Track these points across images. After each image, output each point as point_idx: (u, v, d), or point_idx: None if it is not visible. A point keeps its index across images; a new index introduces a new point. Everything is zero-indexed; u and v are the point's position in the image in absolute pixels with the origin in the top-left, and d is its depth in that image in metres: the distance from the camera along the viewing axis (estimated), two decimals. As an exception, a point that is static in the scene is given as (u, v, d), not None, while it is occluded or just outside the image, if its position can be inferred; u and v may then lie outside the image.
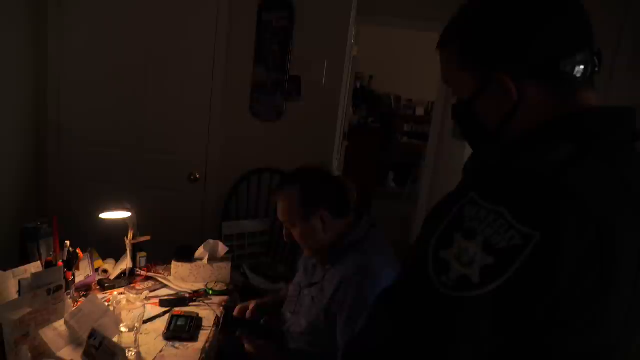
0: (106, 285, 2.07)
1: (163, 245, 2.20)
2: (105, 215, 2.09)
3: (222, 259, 2.25)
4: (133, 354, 1.59)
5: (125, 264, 2.16)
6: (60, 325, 1.60)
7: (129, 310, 1.64)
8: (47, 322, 1.58)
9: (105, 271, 2.16)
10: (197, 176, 3.22)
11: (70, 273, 1.85)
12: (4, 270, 1.70)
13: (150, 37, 3.07)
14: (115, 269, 2.18)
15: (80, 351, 1.51)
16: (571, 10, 0.80)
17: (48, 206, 3.23)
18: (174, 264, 2.20)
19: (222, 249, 2.26)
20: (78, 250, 1.96)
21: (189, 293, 2.08)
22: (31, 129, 3.12)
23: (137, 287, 2.09)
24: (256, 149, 3.21)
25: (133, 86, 3.14)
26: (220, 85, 3.13)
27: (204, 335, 1.78)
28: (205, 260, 2.20)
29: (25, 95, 3.03)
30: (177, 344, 1.70)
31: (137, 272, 2.20)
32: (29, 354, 1.41)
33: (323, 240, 1.68)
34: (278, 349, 1.70)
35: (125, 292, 2.04)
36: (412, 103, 7.59)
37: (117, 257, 2.24)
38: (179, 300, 2.00)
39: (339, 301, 1.56)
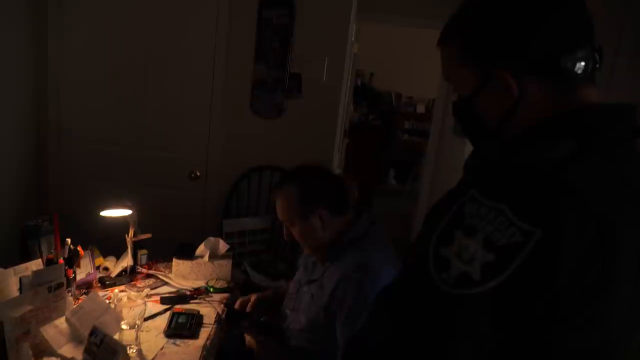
0: (107, 282, 2.07)
1: (164, 243, 2.21)
2: (106, 213, 2.09)
3: (223, 257, 2.25)
4: (134, 351, 1.59)
5: (126, 261, 2.16)
6: (61, 322, 1.60)
7: (130, 308, 1.64)
8: (48, 319, 1.58)
9: (106, 269, 2.16)
10: (198, 174, 3.22)
11: (71, 271, 1.85)
12: (5, 267, 1.71)
13: (150, 35, 3.07)
14: (116, 266, 2.18)
15: (81, 349, 1.51)
16: (572, 6, 0.80)
17: (49, 204, 3.23)
18: (175, 261, 2.21)
19: (222, 246, 2.26)
20: (79, 248, 1.96)
21: (190, 290, 2.08)
22: (31, 128, 3.12)
23: (138, 285, 2.09)
24: (257, 146, 3.20)
25: (133, 84, 3.14)
26: (221, 82, 3.12)
27: (205, 333, 1.78)
28: (206, 258, 2.20)
29: (26, 95, 3.03)
30: (178, 342, 1.71)
31: (138, 270, 2.20)
32: (30, 352, 1.41)
33: (322, 239, 1.68)
34: (278, 345, 1.70)
35: (126, 289, 2.04)
36: (413, 100, 7.58)
37: (118, 254, 2.24)
38: (180, 297, 2.00)
39: (338, 299, 1.56)
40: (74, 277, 1.88)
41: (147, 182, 3.21)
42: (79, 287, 1.94)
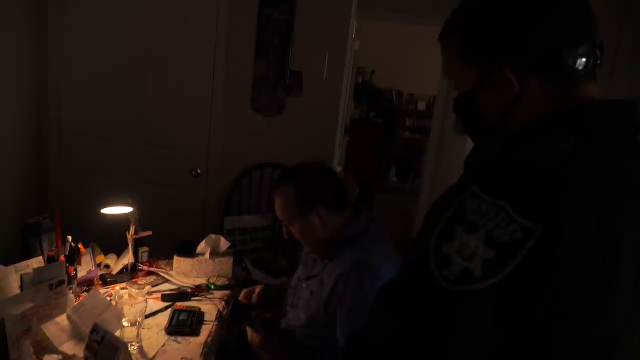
0: (108, 280, 2.07)
1: (165, 240, 2.21)
2: (107, 211, 2.09)
3: (224, 254, 2.25)
4: (135, 348, 1.59)
5: (127, 258, 2.16)
6: (62, 320, 1.60)
7: (131, 305, 1.65)
8: (49, 317, 1.58)
9: (107, 266, 2.16)
10: (199, 171, 3.22)
11: (72, 268, 1.85)
12: (6, 265, 1.71)
13: (150, 33, 3.06)
14: (117, 263, 2.18)
15: (82, 346, 1.51)
16: (572, 2, 0.79)
17: (50, 202, 3.23)
18: (175, 258, 2.21)
19: (223, 243, 2.26)
20: (80, 245, 1.96)
21: (191, 288, 2.08)
22: (32, 127, 3.11)
23: (139, 282, 2.09)
24: (257, 143, 3.20)
25: (134, 82, 3.13)
26: (221, 79, 3.12)
27: (206, 330, 1.78)
28: (207, 255, 2.20)
29: (26, 94, 3.02)
30: (179, 339, 1.71)
31: (139, 267, 2.20)
32: (31, 349, 1.41)
33: (321, 236, 1.68)
34: (280, 342, 1.70)
35: (127, 286, 2.04)
36: (414, 97, 7.57)
37: (119, 252, 2.24)
38: (180, 294, 2.00)
39: (338, 296, 1.56)
40: (75, 275, 1.89)
41: (147, 179, 3.21)
42: (80, 284, 1.95)
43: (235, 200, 3.24)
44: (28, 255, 1.84)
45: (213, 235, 2.27)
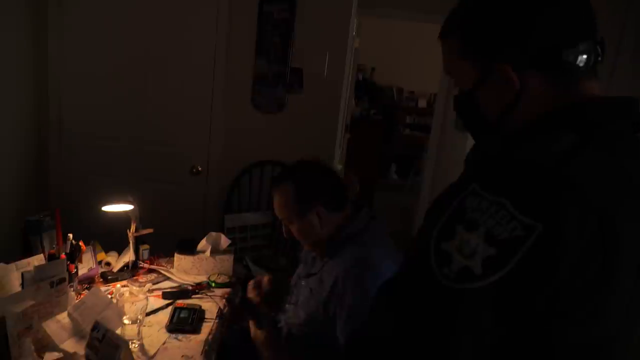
0: (109, 277, 2.07)
1: (165, 238, 2.21)
2: (107, 208, 2.09)
3: (225, 252, 2.25)
4: (136, 346, 1.59)
5: (128, 256, 2.16)
6: (63, 317, 1.60)
7: (132, 303, 1.65)
8: (50, 314, 1.58)
9: (108, 264, 2.16)
10: (199, 169, 3.22)
11: (73, 266, 1.85)
12: (7, 263, 1.71)
13: (150, 32, 3.06)
14: (118, 261, 2.18)
15: (83, 344, 1.51)
16: None
17: (51, 200, 3.24)
18: (176, 256, 2.21)
19: (224, 241, 2.26)
20: (81, 243, 1.96)
21: (192, 285, 2.08)
22: (32, 126, 3.12)
23: (140, 280, 2.09)
24: (258, 141, 3.20)
25: (134, 80, 3.13)
26: (222, 77, 3.12)
27: (206, 328, 1.79)
28: (208, 253, 2.21)
29: (26, 94, 3.03)
30: (180, 336, 1.71)
31: (140, 265, 2.20)
32: (32, 347, 1.41)
33: (321, 235, 1.67)
34: (283, 339, 1.69)
35: (128, 284, 2.04)
36: (415, 95, 7.57)
37: (120, 249, 2.24)
38: (181, 292, 2.01)
39: (338, 294, 1.55)
40: (76, 272, 1.89)
41: (148, 177, 3.22)
42: (81, 282, 1.95)
43: (236, 198, 3.24)
44: (29, 253, 1.84)
45: (214, 233, 2.27)
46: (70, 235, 1.89)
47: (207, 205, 3.30)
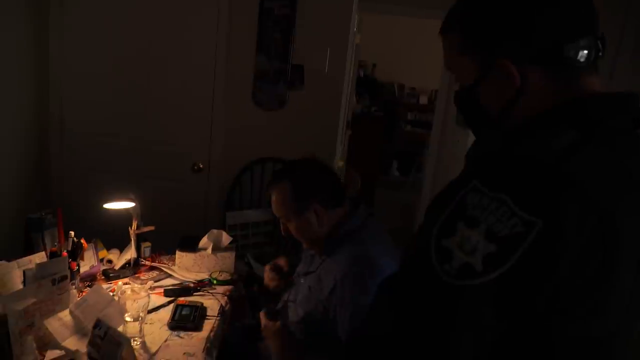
0: (111, 275, 2.07)
1: (167, 236, 2.21)
2: (109, 206, 2.10)
3: (226, 249, 2.25)
4: (138, 343, 1.60)
5: (130, 254, 2.16)
6: (65, 315, 1.61)
7: (134, 300, 1.65)
8: (52, 312, 1.58)
9: (109, 261, 2.16)
10: (201, 166, 3.23)
11: (74, 263, 1.86)
12: (9, 260, 1.71)
13: (151, 30, 3.06)
14: (119, 259, 2.19)
15: (85, 341, 1.51)
16: None
17: (52, 197, 3.24)
18: (178, 253, 2.21)
19: (225, 238, 2.26)
20: (82, 241, 1.96)
21: (194, 283, 2.08)
22: (34, 126, 3.12)
23: (142, 277, 2.10)
24: (259, 138, 3.20)
25: (135, 78, 3.13)
26: (222, 75, 3.12)
27: (208, 325, 1.79)
28: (209, 250, 2.21)
29: (28, 94, 3.03)
30: (181, 334, 1.71)
31: (142, 262, 2.21)
32: (34, 344, 1.42)
33: (319, 233, 1.66)
34: (291, 333, 1.68)
35: (130, 282, 2.05)
36: (416, 91, 7.55)
37: (122, 247, 2.24)
38: (183, 290, 2.01)
39: (338, 296, 1.54)
40: (78, 270, 1.89)
41: (149, 174, 3.22)
42: (82, 279, 1.95)
43: (237, 196, 3.24)
44: (31, 250, 1.85)
45: (215, 230, 2.27)
46: (72, 233, 1.89)
47: (208, 203, 3.31)
